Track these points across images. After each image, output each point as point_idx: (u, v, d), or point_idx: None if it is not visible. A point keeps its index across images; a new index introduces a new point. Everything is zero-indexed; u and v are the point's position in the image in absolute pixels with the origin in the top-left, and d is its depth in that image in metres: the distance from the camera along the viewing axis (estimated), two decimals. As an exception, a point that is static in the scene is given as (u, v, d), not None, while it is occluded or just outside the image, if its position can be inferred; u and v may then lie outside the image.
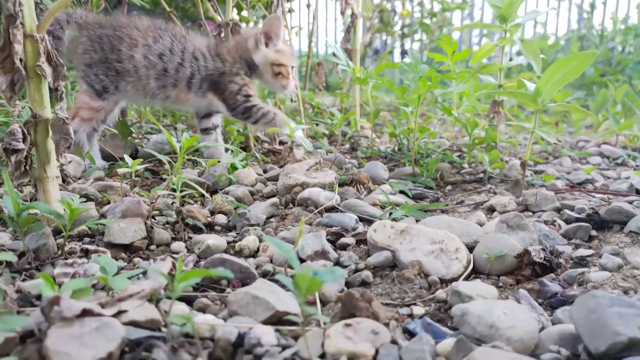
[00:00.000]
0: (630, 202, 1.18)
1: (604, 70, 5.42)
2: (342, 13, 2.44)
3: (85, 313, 0.57)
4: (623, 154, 1.75)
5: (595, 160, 1.72)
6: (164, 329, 0.62)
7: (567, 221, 1.07)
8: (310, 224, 1.11)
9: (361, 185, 1.42)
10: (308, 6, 5.60)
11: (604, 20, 7.75)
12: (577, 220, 1.05)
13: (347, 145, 2.13)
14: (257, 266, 0.86)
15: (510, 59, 1.73)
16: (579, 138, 2.11)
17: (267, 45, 1.64)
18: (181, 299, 0.72)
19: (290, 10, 3.76)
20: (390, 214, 1.16)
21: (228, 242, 0.97)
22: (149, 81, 1.53)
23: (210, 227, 1.07)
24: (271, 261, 0.89)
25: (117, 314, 0.61)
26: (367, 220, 1.13)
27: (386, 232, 0.92)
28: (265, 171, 1.63)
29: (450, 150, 1.86)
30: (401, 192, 1.41)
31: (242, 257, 0.90)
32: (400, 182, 1.48)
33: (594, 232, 1.01)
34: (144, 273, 0.79)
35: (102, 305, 0.62)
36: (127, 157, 1.13)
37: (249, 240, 0.94)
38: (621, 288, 0.74)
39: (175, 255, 0.90)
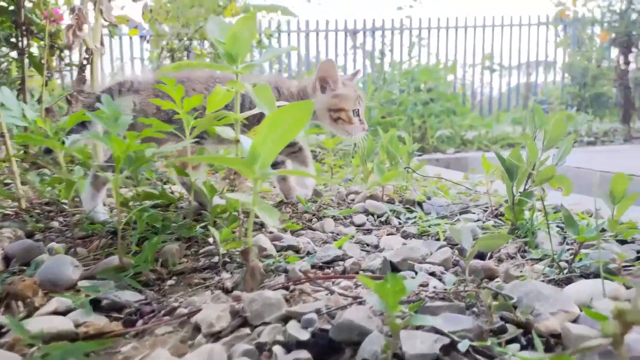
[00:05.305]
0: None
1: (389, 111, 5.80)
2: (70, 48, 1.94)
3: None
4: (387, 210, 1.57)
5: (360, 220, 1.52)
6: None
7: (287, 346, 0.74)
8: None
9: (22, 302, 0.94)
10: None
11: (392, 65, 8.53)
12: (299, 345, 0.73)
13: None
14: None
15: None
16: (350, 189, 1.94)
17: (323, 90, 1.65)
18: None
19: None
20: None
21: None
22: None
23: None
24: None
25: None
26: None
27: None
28: None
29: (198, 221, 1.48)
30: (92, 301, 0.97)
31: None
32: (96, 283, 1.04)
33: (317, 365, 0.69)
34: None
35: None
36: None
37: None
38: None
39: None
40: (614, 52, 7.04)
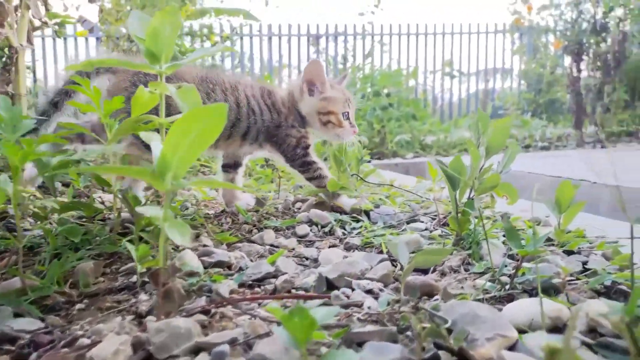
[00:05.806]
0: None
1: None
2: (-10, 45, 1.78)
3: None
4: (332, 219, 1.49)
5: (303, 230, 1.43)
6: None
7: (190, 386, 0.64)
8: None
9: None
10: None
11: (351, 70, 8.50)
12: (202, 385, 0.63)
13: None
14: None
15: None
16: (298, 197, 1.85)
17: (311, 93, 1.59)
18: None
19: None
20: None
21: None
22: None
23: None
24: None
25: None
26: None
27: None
28: None
29: (126, 234, 1.36)
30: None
31: None
32: (-12, 310, 0.91)
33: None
34: None
35: None
36: None
37: None
38: None
39: None
40: (567, 59, 7.23)
